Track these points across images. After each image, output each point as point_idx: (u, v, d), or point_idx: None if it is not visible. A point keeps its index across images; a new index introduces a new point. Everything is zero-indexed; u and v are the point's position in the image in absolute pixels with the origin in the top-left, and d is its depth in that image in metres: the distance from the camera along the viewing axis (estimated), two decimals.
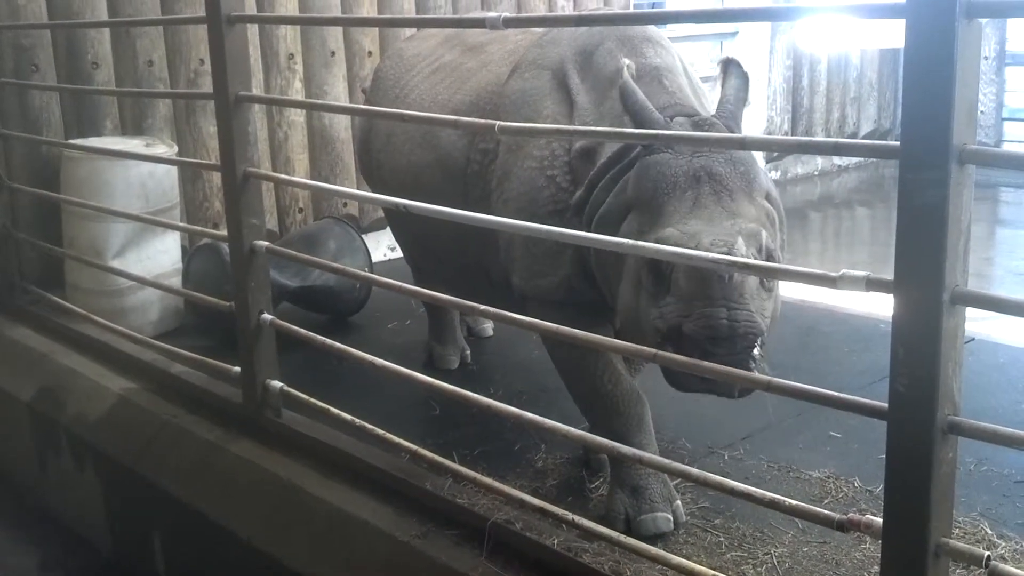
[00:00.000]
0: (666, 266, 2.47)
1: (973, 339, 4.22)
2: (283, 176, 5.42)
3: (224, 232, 3.54)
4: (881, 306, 4.42)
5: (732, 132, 2.69)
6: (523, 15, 6.08)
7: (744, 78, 2.79)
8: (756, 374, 2.24)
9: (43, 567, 4.10)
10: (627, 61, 2.85)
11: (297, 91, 5.79)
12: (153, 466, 3.67)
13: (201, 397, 3.83)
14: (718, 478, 2.26)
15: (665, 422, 3.52)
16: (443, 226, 3.04)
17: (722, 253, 2.35)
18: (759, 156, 2.86)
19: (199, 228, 4.85)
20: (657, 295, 2.51)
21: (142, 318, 4.74)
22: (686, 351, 2.40)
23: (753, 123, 8.82)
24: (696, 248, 2.40)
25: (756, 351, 2.40)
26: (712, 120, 2.72)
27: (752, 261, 2.27)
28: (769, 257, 2.52)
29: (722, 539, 2.88)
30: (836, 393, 2.01)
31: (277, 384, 3.43)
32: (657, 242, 2.50)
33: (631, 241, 2.43)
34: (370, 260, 5.10)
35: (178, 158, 4.98)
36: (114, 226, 4.64)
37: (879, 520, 1.93)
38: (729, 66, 2.81)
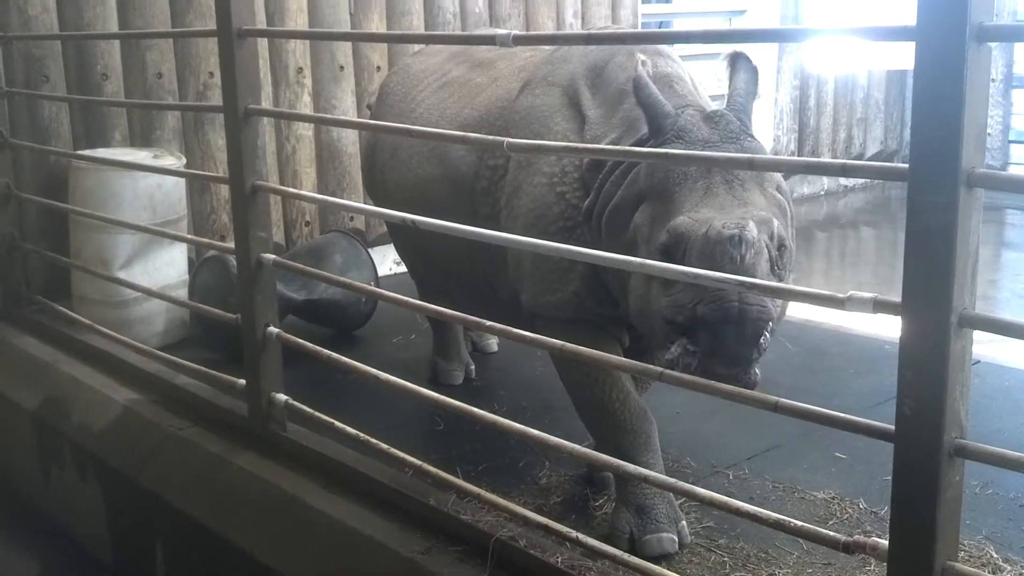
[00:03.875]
0: (679, 253, 2.48)
1: (979, 361, 4.21)
2: (291, 189, 5.43)
3: (231, 244, 3.55)
4: (887, 327, 4.44)
5: (743, 125, 2.71)
6: (533, 33, 6.12)
7: (753, 71, 2.80)
8: (762, 395, 2.23)
9: None
10: (642, 57, 2.85)
11: (306, 105, 5.81)
12: (156, 477, 3.67)
13: (206, 409, 3.83)
14: (724, 498, 2.26)
15: (669, 441, 3.51)
16: (450, 242, 3.05)
17: (733, 235, 2.38)
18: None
19: (206, 240, 4.86)
20: (668, 283, 2.51)
21: (148, 329, 4.75)
22: (698, 336, 2.41)
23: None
24: (708, 231, 2.42)
25: (763, 341, 2.40)
26: (723, 113, 2.73)
27: (760, 282, 2.27)
28: (781, 245, 2.54)
29: (726, 559, 2.87)
30: (842, 415, 2.01)
31: (282, 397, 3.43)
32: (669, 230, 2.53)
33: (639, 260, 2.44)
34: (376, 274, 5.11)
35: (186, 170, 4.99)
36: (121, 237, 4.65)
37: (884, 542, 1.92)
38: (737, 60, 2.81)
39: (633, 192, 2.76)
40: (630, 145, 2.84)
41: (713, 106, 2.97)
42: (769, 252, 2.49)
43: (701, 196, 2.58)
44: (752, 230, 2.41)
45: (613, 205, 2.82)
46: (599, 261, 2.44)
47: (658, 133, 2.70)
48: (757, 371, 2.44)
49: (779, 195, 2.72)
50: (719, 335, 2.39)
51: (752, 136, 2.72)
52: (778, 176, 2.78)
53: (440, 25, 6.23)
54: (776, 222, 2.54)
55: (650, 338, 2.83)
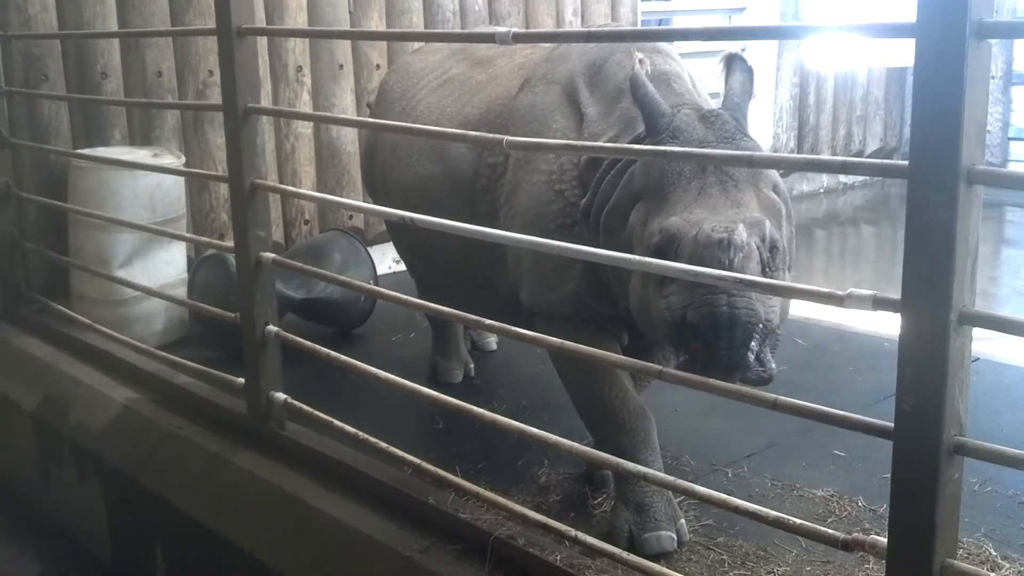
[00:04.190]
0: (671, 254, 2.49)
1: (979, 359, 4.21)
2: (290, 188, 5.40)
3: (230, 243, 3.55)
4: (886, 325, 4.43)
5: (739, 124, 2.71)
6: (532, 31, 6.09)
7: (748, 72, 2.80)
8: (761, 392, 2.23)
9: None
10: (640, 55, 2.85)
11: (305, 103, 5.81)
12: (156, 477, 3.67)
13: (205, 408, 3.83)
14: (723, 496, 2.26)
15: (669, 439, 3.51)
16: (449, 240, 3.04)
17: (722, 239, 2.38)
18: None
19: (205, 239, 4.86)
20: (663, 283, 2.52)
21: (147, 328, 4.75)
22: (690, 341, 2.43)
23: (759, 140, 8.81)
24: (697, 234, 2.43)
25: (754, 344, 2.41)
26: (719, 113, 2.73)
27: (758, 279, 2.27)
28: (773, 247, 2.54)
29: (725, 557, 2.87)
30: (841, 412, 2.01)
31: (281, 396, 3.43)
32: (661, 231, 2.55)
33: (637, 257, 2.44)
34: (375, 272, 5.10)
35: (185, 169, 4.99)
36: (120, 236, 4.65)
37: (883, 540, 1.92)
38: (733, 61, 2.81)
39: (629, 192, 2.76)
40: (627, 143, 2.83)
41: (713, 104, 2.97)
42: (760, 254, 2.49)
43: (695, 197, 2.58)
44: (741, 234, 2.41)
45: (610, 205, 2.82)
46: (598, 259, 2.44)
47: (654, 132, 2.71)
48: (773, 365, 2.46)
49: (774, 195, 2.72)
50: (710, 340, 2.40)
51: (748, 136, 2.72)
52: (775, 175, 2.77)
53: (439, 23, 6.23)
54: (768, 223, 2.54)
55: (653, 338, 2.84)
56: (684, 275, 2.25)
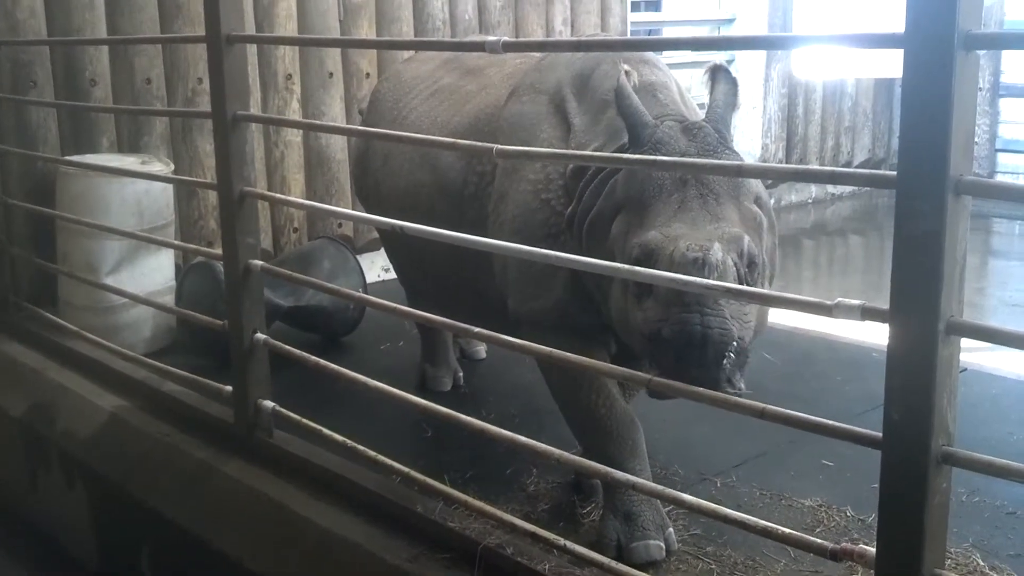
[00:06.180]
0: (648, 268, 2.49)
1: (966, 369, 4.22)
2: (279, 196, 5.41)
3: (218, 251, 3.54)
4: (874, 334, 4.44)
5: (722, 137, 2.71)
6: (522, 40, 6.13)
7: (733, 83, 2.80)
8: (749, 401, 2.23)
9: None
10: (626, 67, 2.85)
11: (294, 111, 5.80)
12: (143, 484, 3.66)
13: (193, 416, 3.81)
14: (711, 505, 2.26)
15: (657, 448, 3.51)
16: (439, 247, 3.05)
17: (696, 258, 2.39)
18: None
19: (193, 246, 4.85)
20: (641, 297, 2.54)
21: (135, 336, 4.73)
22: (664, 356, 2.45)
23: (748, 150, 8.85)
24: (673, 251, 2.44)
25: (727, 362, 2.42)
26: (702, 125, 2.73)
27: (744, 288, 2.28)
28: (751, 262, 2.54)
29: (714, 567, 2.87)
30: (830, 422, 2.01)
31: (269, 404, 3.42)
32: (640, 245, 2.55)
33: (625, 266, 2.44)
34: (364, 281, 5.10)
35: (174, 176, 4.98)
36: (108, 243, 4.64)
37: (872, 550, 1.92)
38: (717, 72, 2.81)
39: (611, 202, 2.76)
40: (611, 153, 2.84)
41: (701, 115, 2.97)
42: (738, 270, 2.49)
43: (675, 210, 2.58)
44: (716, 253, 2.41)
45: (593, 215, 2.82)
46: (584, 267, 2.45)
47: (636, 143, 2.71)
48: (742, 385, 2.46)
49: (756, 207, 2.71)
50: (683, 357, 2.41)
51: (730, 148, 2.72)
52: (757, 186, 2.77)
53: (429, 32, 6.24)
54: (747, 239, 2.54)
55: (633, 348, 2.84)
56: (670, 283, 2.25)
